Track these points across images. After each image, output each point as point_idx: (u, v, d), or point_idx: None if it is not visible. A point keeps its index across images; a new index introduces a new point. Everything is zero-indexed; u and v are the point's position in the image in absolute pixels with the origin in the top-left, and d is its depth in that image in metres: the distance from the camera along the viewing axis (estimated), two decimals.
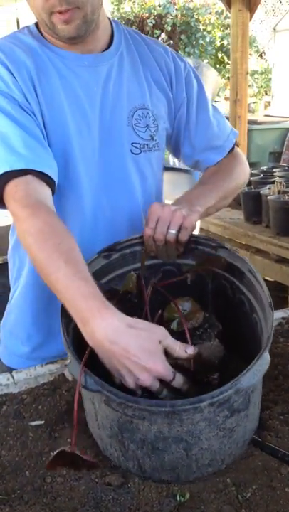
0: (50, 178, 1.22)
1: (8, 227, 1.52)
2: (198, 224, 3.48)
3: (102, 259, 1.27)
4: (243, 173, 1.57)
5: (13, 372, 1.34)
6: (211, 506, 0.92)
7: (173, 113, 1.48)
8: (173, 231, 1.23)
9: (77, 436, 1.10)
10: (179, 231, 1.24)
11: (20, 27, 1.41)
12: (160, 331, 0.99)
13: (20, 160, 1.18)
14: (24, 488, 1.00)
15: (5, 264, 1.59)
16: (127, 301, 1.20)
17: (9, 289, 1.57)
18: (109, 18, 1.42)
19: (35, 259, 1.10)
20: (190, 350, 1.00)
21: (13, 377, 1.33)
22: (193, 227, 1.26)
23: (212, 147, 1.53)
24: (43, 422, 1.17)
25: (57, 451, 0.91)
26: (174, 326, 1.10)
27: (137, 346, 0.94)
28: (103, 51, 1.37)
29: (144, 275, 1.26)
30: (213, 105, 1.55)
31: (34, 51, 1.31)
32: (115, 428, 0.99)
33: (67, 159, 1.32)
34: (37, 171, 1.19)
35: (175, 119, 1.49)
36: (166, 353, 0.98)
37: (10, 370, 1.40)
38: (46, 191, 1.21)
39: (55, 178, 1.24)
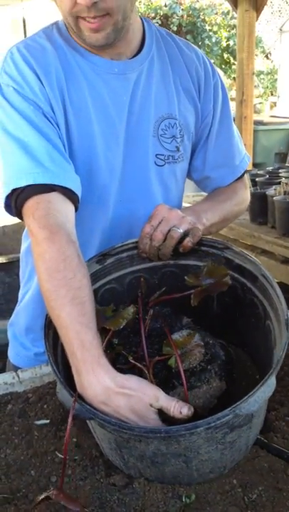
0: (74, 193, 1.17)
1: (14, 225, 1.52)
2: None
3: (95, 264, 1.24)
4: (246, 198, 1.53)
5: (19, 371, 1.34)
6: (216, 508, 0.92)
7: (199, 123, 1.42)
8: (180, 230, 1.19)
9: (82, 435, 1.11)
10: (184, 235, 1.20)
11: (27, 27, 1.37)
12: (152, 393, 0.94)
13: (45, 174, 1.13)
14: (29, 487, 1.00)
15: (10, 263, 1.59)
16: (122, 336, 1.14)
17: (15, 289, 1.57)
18: (141, 18, 1.35)
19: (42, 287, 1.05)
20: (185, 410, 0.94)
21: (18, 376, 1.33)
22: (199, 237, 1.22)
23: (227, 165, 1.48)
24: (48, 421, 1.17)
25: (42, 497, 0.87)
26: (172, 362, 1.04)
27: (127, 409, 0.92)
28: (134, 55, 1.30)
29: (144, 278, 1.23)
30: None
31: (63, 55, 1.24)
32: (113, 444, 0.98)
33: (91, 170, 1.28)
34: (61, 187, 1.14)
35: (199, 130, 1.43)
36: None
37: (17, 368, 1.40)
38: (69, 210, 1.16)
39: (79, 194, 1.19)
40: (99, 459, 1.05)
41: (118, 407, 0.92)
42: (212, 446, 0.94)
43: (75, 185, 1.18)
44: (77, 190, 1.18)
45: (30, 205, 1.13)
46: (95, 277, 1.22)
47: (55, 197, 1.14)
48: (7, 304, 1.56)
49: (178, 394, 1.01)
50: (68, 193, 1.16)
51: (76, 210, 1.19)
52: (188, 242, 1.19)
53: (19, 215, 1.18)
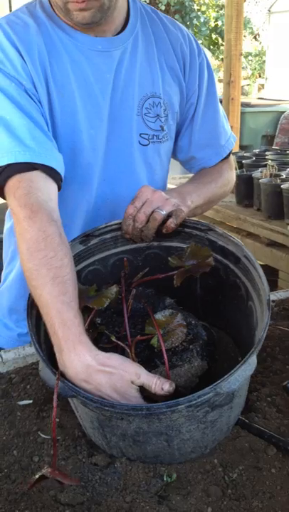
0: (56, 172, 1.16)
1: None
2: None
3: (79, 244, 1.23)
4: (231, 179, 1.52)
5: (2, 352, 1.34)
6: (197, 487, 0.93)
7: (184, 103, 1.41)
8: (163, 212, 1.18)
9: (65, 415, 1.11)
10: (168, 216, 1.19)
11: (13, 5, 1.34)
12: (133, 370, 0.94)
13: (26, 152, 1.11)
14: (11, 467, 1.00)
15: None
16: (105, 315, 1.15)
17: (0, 270, 1.55)
18: None
19: (24, 267, 1.04)
20: (166, 386, 0.94)
21: (1, 357, 1.32)
22: (183, 219, 1.21)
23: (213, 145, 1.46)
24: (31, 401, 1.17)
25: (38, 476, 0.88)
26: (154, 342, 1.04)
27: (108, 387, 0.93)
28: (118, 32, 1.29)
29: (127, 259, 1.23)
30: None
31: (45, 31, 1.22)
32: (96, 423, 0.98)
33: (75, 148, 1.27)
34: (43, 165, 1.13)
35: (184, 109, 1.42)
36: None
37: None
38: (51, 189, 1.15)
39: (62, 172, 1.18)
40: (81, 439, 1.06)
41: (99, 385, 0.93)
42: (193, 425, 0.94)
43: (58, 163, 1.16)
44: (60, 169, 1.17)
45: (12, 184, 1.12)
46: (78, 258, 1.22)
47: (37, 175, 1.12)
48: None
49: (160, 373, 1.01)
50: (50, 172, 1.14)
51: (59, 189, 1.18)
52: (171, 223, 1.19)
53: (2, 194, 1.16)
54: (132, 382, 0.94)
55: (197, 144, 1.46)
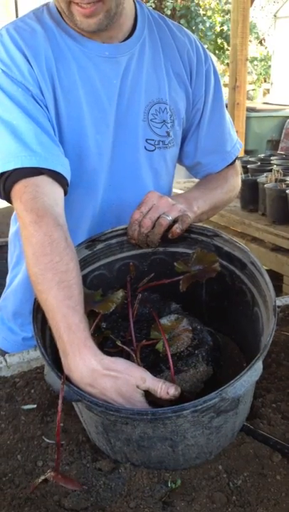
0: (63, 177, 1.16)
1: (3, 209, 1.51)
2: None
3: (85, 249, 1.23)
4: (237, 185, 1.52)
5: (6, 356, 1.34)
6: (202, 493, 0.92)
7: (190, 109, 1.41)
8: (169, 217, 1.18)
9: (69, 420, 1.11)
10: (174, 222, 1.19)
11: (19, 10, 1.35)
12: (138, 374, 0.94)
13: (33, 157, 1.12)
14: (15, 471, 1.00)
15: (0, 248, 1.58)
16: (110, 320, 1.15)
17: (4, 273, 1.55)
18: (134, 0, 1.33)
19: (30, 271, 1.05)
20: (172, 391, 0.94)
21: (6, 361, 1.32)
22: (188, 224, 1.21)
23: (219, 151, 1.47)
24: (35, 405, 1.17)
25: (40, 480, 0.89)
26: (159, 347, 1.04)
27: (113, 391, 0.92)
28: (125, 38, 1.29)
29: (133, 264, 1.23)
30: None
31: (53, 37, 1.22)
32: (100, 428, 0.98)
33: (81, 154, 1.27)
34: (50, 170, 1.13)
35: (190, 115, 1.42)
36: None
37: (4, 353, 1.40)
38: (57, 194, 1.15)
39: (68, 177, 1.18)
40: (85, 444, 1.06)
41: (104, 390, 0.93)
42: (198, 430, 0.94)
43: (64, 168, 1.16)
44: (66, 174, 1.17)
45: (18, 189, 1.12)
46: (84, 263, 1.22)
47: (43, 180, 1.13)
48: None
49: (165, 378, 1.01)
50: (56, 177, 1.15)
51: (65, 193, 1.18)
52: (176, 228, 1.19)
53: (8, 199, 1.16)
54: (138, 387, 0.94)
55: (203, 150, 1.46)
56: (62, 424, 1.10)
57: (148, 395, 0.95)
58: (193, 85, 1.39)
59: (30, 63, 1.18)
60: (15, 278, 1.48)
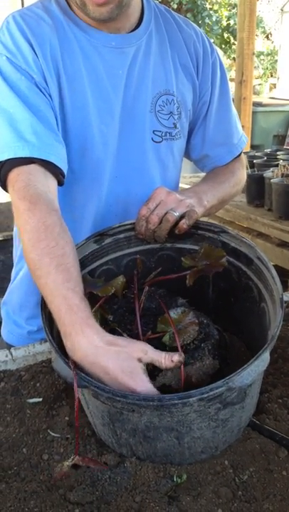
0: (56, 166, 1.16)
1: (8, 203, 1.51)
2: None
3: (93, 243, 1.23)
4: (243, 178, 1.52)
5: (12, 349, 1.34)
6: (208, 488, 0.92)
7: (197, 101, 1.41)
8: (176, 213, 1.18)
9: (74, 414, 1.10)
10: (181, 217, 1.19)
11: (25, 5, 1.34)
12: (139, 347, 0.95)
13: (26, 147, 1.12)
14: (21, 464, 1.00)
15: (5, 241, 1.58)
16: (111, 307, 1.15)
17: (9, 267, 1.55)
18: None
19: (27, 258, 1.06)
20: (176, 357, 0.94)
21: (11, 354, 1.32)
22: (196, 219, 1.21)
23: (226, 144, 1.48)
24: (40, 399, 1.17)
25: (70, 465, 0.90)
26: (166, 339, 1.05)
27: (116, 367, 0.91)
28: (132, 30, 1.30)
29: (140, 260, 1.23)
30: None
31: (60, 26, 1.23)
32: (106, 418, 0.98)
33: (85, 144, 1.27)
34: (42, 160, 1.13)
35: (197, 108, 1.43)
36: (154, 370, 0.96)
37: (10, 347, 1.40)
38: (50, 182, 1.15)
39: (63, 168, 1.18)
40: (91, 438, 1.06)
41: (107, 368, 0.91)
42: (204, 422, 0.94)
43: (57, 158, 1.16)
44: (60, 164, 1.17)
45: (12, 177, 1.13)
46: (92, 257, 1.22)
47: (35, 169, 1.13)
48: (1, 282, 1.55)
49: (171, 370, 1.01)
50: (49, 166, 1.15)
51: (60, 183, 1.18)
52: (183, 224, 1.19)
53: (5, 188, 1.17)
54: (140, 360, 0.93)
55: (210, 142, 1.46)
56: (67, 418, 1.10)
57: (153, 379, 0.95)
58: (199, 78, 1.39)
59: (35, 51, 1.18)
60: (20, 271, 1.48)
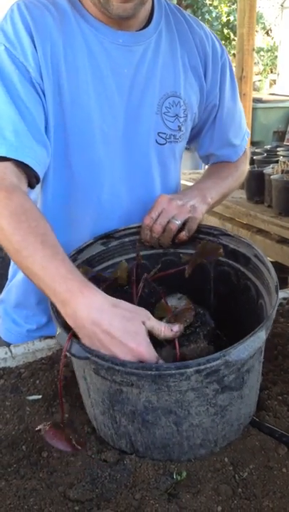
0: (31, 169, 1.14)
1: None
2: None
3: (100, 245, 1.25)
4: (245, 170, 1.56)
5: (11, 347, 1.34)
6: (207, 485, 0.92)
7: (204, 103, 1.40)
8: (178, 221, 1.22)
9: (74, 411, 1.11)
10: (183, 224, 1.23)
11: None
12: (144, 312, 0.96)
13: (3, 145, 1.10)
14: (20, 462, 0.99)
15: None
16: (116, 289, 1.16)
17: (7, 264, 1.55)
18: None
19: (9, 242, 1.04)
20: (175, 327, 0.97)
21: (11, 352, 1.32)
22: (194, 230, 1.26)
23: (230, 144, 1.49)
24: (40, 396, 1.16)
25: (36, 429, 0.95)
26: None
27: (120, 327, 0.91)
28: (141, 28, 1.26)
29: (143, 264, 1.25)
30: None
31: (66, 18, 1.19)
32: (106, 401, 0.98)
33: (85, 143, 1.25)
34: (18, 161, 1.11)
35: (205, 110, 1.42)
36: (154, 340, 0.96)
37: (8, 345, 1.39)
38: (22, 180, 1.14)
39: (39, 171, 1.15)
40: (91, 436, 1.06)
41: (110, 326, 0.91)
42: (203, 406, 0.94)
43: (34, 161, 1.14)
44: (36, 167, 1.14)
45: None
46: (99, 258, 1.24)
47: (10, 167, 1.11)
48: (0, 279, 1.55)
49: (166, 352, 1.02)
50: (24, 168, 1.13)
51: (31, 186, 1.18)
52: (183, 235, 1.24)
53: None
54: (144, 323, 0.94)
55: (218, 144, 1.48)
56: (67, 415, 1.10)
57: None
58: (208, 80, 1.38)
59: (35, 45, 1.15)
60: (18, 270, 1.47)
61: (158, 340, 1.00)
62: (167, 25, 1.32)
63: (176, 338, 1.00)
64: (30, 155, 1.13)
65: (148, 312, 0.97)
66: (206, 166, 1.62)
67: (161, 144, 1.34)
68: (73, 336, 0.94)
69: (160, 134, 1.33)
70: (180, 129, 1.35)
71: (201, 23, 1.41)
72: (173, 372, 0.87)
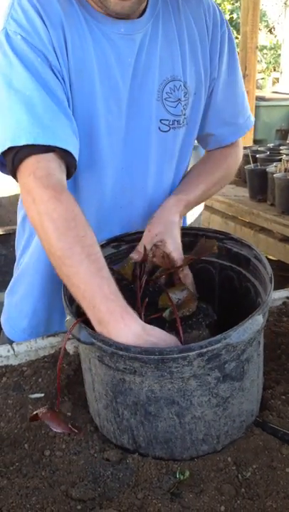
0: (73, 157, 1.12)
1: (10, 197, 1.49)
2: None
3: (111, 248, 1.26)
4: (239, 158, 1.52)
5: (14, 344, 1.33)
6: (210, 485, 0.92)
7: (204, 81, 1.35)
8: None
9: (77, 410, 1.11)
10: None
11: None
12: (174, 341, 0.98)
13: (46, 134, 1.07)
14: (23, 460, 0.99)
15: (7, 235, 1.57)
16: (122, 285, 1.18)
17: (12, 261, 1.54)
18: None
19: (52, 247, 1.02)
20: None
21: (13, 349, 1.32)
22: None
23: (231, 123, 1.44)
24: (43, 394, 1.16)
25: (33, 414, 0.97)
26: (166, 314, 1.10)
27: None
28: (140, 15, 1.23)
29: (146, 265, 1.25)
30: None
31: (71, 8, 1.16)
32: (110, 393, 0.99)
33: (91, 133, 1.23)
34: (61, 149, 1.09)
35: (209, 86, 1.37)
36: None
37: (11, 342, 1.39)
38: (64, 173, 1.12)
39: (77, 159, 1.14)
40: (93, 434, 1.05)
41: None
42: (205, 396, 0.95)
43: (74, 148, 1.12)
44: (76, 155, 1.14)
45: (30, 164, 1.08)
46: (109, 261, 1.24)
47: (54, 158, 1.09)
48: (4, 275, 1.54)
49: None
50: (66, 156, 1.11)
51: (69, 175, 1.15)
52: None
53: (14, 174, 1.12)
54: None
55: (215, 121, 1.42)
56: (69, 414, 1.09)
57: None
58: (207, 54, 1.33)
59: (48, 30, 1.11)
60: (23, 263, 1.45)
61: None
62: (164, 5, 1.28)
63: (180, 326, 1.05)
64: (71, 143, 1.11)
65: (177, 340, 0.99)
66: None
67: (164, 131, 1.31)
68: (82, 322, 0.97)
69: (163, 121, 1.30)
70: (183, 113, 1.32)
71: None
72: (176, 356, 0.88)
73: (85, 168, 1.25)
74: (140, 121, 1.28)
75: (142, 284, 1.18)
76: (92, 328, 0.97)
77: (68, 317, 1.00)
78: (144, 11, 1.24)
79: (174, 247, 1.22)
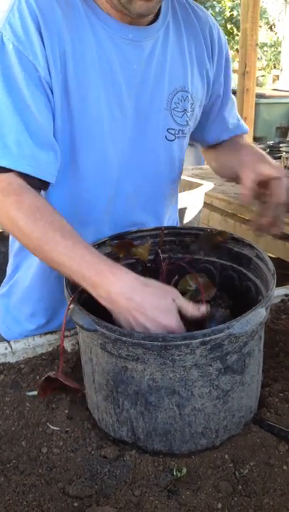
0: (33, 178, 1.12)
1: None
2: (202, 198, 3.44)
3: (110, 246, 1.26)
4: None
5: (11, 342, 1.33)
6: (207, 482, 0.92)
7: (209, 94, 1.38)
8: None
9: (74, 407, 1.10)
10: None
11: None
12: (174, 290, 1.00)
13: (4, 156, 1.08)
14: (20, 458, 0.99)
15: (6, 233, 1.56)
16: (138, 267, 1.22)
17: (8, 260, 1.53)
18: None
19: (30, 241, 1.07)
20: (203, 308, 1.01)
21: (11, 347, 1.31)
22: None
23: (226, 130, 1.50)
24: None
25: (44, 378, 1.03)
26: (187, 297, 1.09)
27: (152, 304, 0.96)
28: (150, 22, 1.22)
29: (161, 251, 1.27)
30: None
31: (76, 10, 1.14)
32: (111, 382, 0.99)
33: (93, 140, 1.21)
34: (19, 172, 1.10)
35: (209, 101, 1.40)
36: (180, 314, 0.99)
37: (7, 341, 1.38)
38: (25, 182, 1.11)
39: (45, 177, 1.13)
40: (91, 431, 1.05)
41: (144, 302, 0.95)
42: (206, 387, 0.95)
43: (36, 169, 1.11)
44: (40, 174, 1.12)
45: None
46: (113, 258, 1.23)
47: (13, 176, 1.10)
48: (3, 274, 1.53)
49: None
50: (26, 178, 1.11)
51: (42, 189, 1.17)
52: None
53: None
54: (174, 301, 0.98)
55: (210, 135, 1.49)
56: (67, 411, 1.09)
57: None
58: (213, 70, 1.36)
59: (43, 41, 1.10)
60: (19, 265, 1.44)
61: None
62: (174, 17, 1.28)
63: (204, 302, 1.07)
64: (32, 164, 1.11)
65: (177, 291, 1.01)
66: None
67: (170, 140, 1.32)
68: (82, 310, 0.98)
69: (169, 130, 1.31)
70: (187, 124, 1.34)
71: (206, 11, 1.39)
72: (179, 343, 0.89)
73: (87, 175, 1.24)
74: (147, 129, 1.27)
75: (164, 266, 1.19)
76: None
77: (71, 306, 1.02)
78: (155, 19, 1.24)
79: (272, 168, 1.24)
